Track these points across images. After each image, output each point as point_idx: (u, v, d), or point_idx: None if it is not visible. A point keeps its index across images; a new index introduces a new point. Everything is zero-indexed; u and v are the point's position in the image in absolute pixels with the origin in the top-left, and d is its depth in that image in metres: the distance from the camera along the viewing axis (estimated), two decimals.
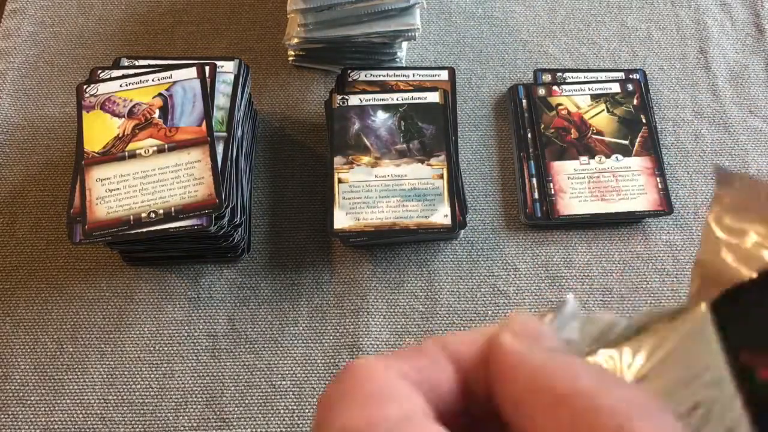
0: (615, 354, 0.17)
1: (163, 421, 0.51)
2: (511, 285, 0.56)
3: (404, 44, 0.65)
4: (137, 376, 0.53)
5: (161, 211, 0.50)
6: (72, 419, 0.51)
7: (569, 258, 0.57)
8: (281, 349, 0.54)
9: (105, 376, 0.53)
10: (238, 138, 0.55)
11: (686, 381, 0.16)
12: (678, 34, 0.68)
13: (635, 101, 0.62)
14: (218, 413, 0.52)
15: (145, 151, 0.52)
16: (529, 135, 0.61)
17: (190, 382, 0.53)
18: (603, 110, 0.62)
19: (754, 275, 0.16)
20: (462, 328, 0.54)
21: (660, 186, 0.58)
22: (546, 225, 0.58)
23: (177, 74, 0.56)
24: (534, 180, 0.59)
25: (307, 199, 0.60)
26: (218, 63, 0.57)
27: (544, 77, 0.64)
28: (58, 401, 0.52)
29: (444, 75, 0.63)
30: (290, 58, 0.66)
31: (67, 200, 0.55)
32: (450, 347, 0.19)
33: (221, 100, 0.56)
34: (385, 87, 0.61)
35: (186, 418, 0.51)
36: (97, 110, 0.54)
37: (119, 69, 0.57)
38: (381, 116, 0.58)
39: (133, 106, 0.54)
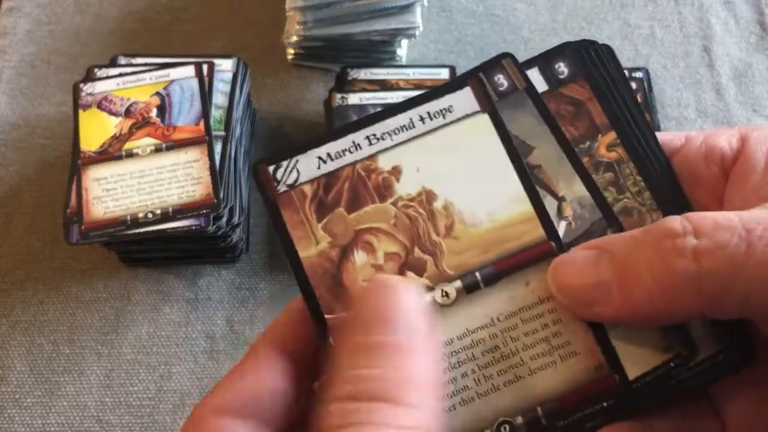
0: None
1: (160, 424, 0.51)
2: None
3: (404, 42, 0.64)
4: (134, 377, 0.52)
5: (159, 211, 0.50)
6: (69, 422, 0.51)
7: None
8: None
9: (102, 377, 0.52)
10: (236, 137, 0.55)
11: None
12: (681, 33, 0.68)
13: (638, 100, 0.61)
14: None
15: (142, 151, 0.52)
16: None
17: (188, 384, 0.52)
18: None
19: None
20: None
21: None
22: None
23: (175, 73, 0.55)
24: None
25: None
26: (216, 61, 0.56)
27: None
28: (55, 403, 0.51)
29: (445, 73, 0.62)
30: (289, 57, 0.65)
31: (63, 200, 0.55)
32: (281, 337, 0.22)
33: (219, 98, 0.55)
34: (385, 86, 0.61)
35: (184, 420, 0.51)
36: (94, 109, 0.54)
37: (116, 67, 0.57)
38: None
39: (131, 105, 0.54)
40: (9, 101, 0.64)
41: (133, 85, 0.55)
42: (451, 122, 0.25)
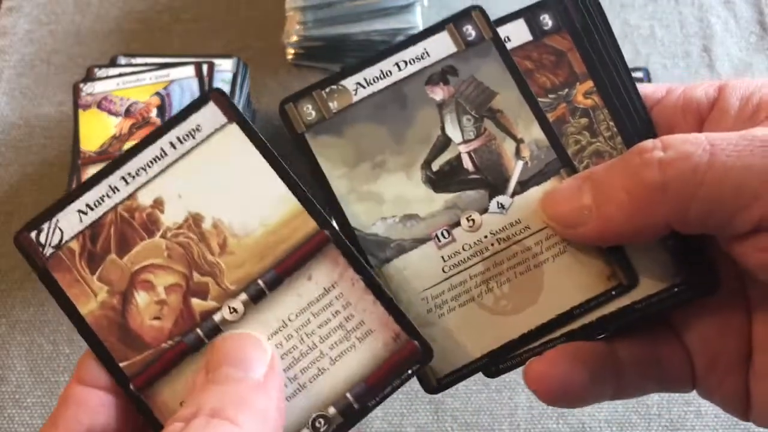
0: None
1: None
2: None
3: None
4: None
5: None
6: None
7: None
8: None
9: None
10: None
11: None
12: (682, 32, 0.68)
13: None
14: None
15: None
16: None
17: None
18: None
19: None
20: None
21: None
22: None
23: (174, 73, 0.55)
24: None
25: None
26: (216, 61, 0.56)
27: None
28: (55, 403, 0.51)
29: None
30: (289, 57, 0.65)
31: None
32: (92, 372, 0.24)
33: None
34: None
35: None
36: (94, 109, 0.54)
37: (116, 67, 0.57)
38: None
39: (130, 105, 0.54)
40: (9, 101, 0.64)
41: (133, 85, 0.55)
42: (202, 141, 0.25)
